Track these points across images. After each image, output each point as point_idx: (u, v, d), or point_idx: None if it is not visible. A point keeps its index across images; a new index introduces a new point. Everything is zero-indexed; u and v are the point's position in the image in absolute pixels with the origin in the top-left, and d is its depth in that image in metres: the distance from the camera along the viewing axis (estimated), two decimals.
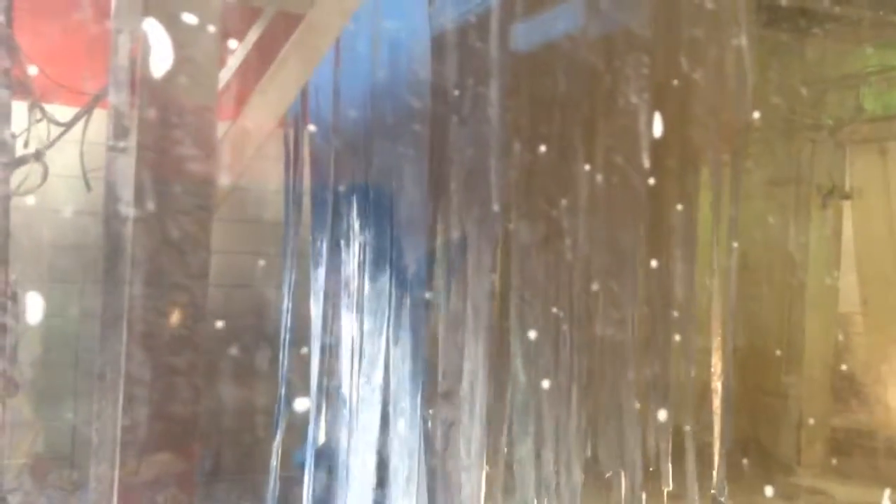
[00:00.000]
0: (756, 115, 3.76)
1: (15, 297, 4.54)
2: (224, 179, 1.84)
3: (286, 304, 4.35)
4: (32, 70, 4.42)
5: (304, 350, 4.12)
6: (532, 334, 3.36)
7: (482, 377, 3.27)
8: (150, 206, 1.58)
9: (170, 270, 1.58)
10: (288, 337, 4.27)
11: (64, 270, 5.24)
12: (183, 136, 1.64)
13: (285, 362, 4.27)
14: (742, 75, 3.60)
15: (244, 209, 5.21)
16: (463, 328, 3.23)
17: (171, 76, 1.61)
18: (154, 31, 1.68)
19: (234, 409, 4.97)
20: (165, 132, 1.62)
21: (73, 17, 4.87)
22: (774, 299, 5.82)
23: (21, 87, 4.43)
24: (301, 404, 4.04)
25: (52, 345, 5.20)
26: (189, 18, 1.68)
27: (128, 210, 1.76)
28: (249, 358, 4.86)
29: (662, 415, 3.82)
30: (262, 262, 5.04)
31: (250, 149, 1.90)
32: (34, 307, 4.73)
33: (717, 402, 4.20)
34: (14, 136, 4.49)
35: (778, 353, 5.85)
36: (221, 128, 4.95)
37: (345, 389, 3.66)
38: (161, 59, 1.67)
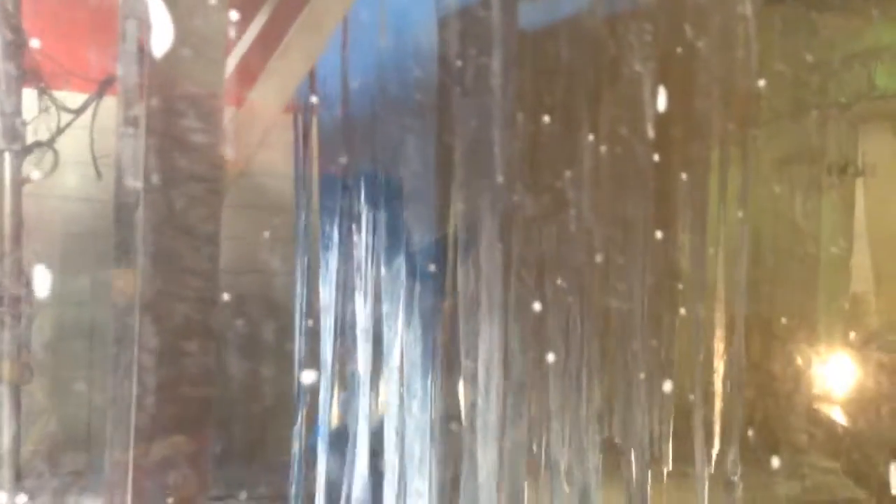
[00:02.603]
0: (762, 83, 3.70)
1: (28, 284, 4.58)
2: (233, 164, 1.84)
3: (299, 288, 4.36)
4: (41, 57, 4.43)
5: (318, 334, 4.13)
6: (537, 307, 3.35)
7: (497, 357, 3.27)
8: (159, 192, 1.58)
9: (181, 255, 1.58)
10: (302, 321, 4.29)
11: (76, 257, 5.26)
12: (190, 122, 1.64)
13: (301, 346, 4.29)
14: (747, 44, 3.56)
15: (256, 194, 5.22)
16: (477, 307, 3.23)
17: (176, 61, 1.60)
18: (158, 13, 1.68)
19: (249, 394, 5.00)
20: (172, 119, 1.62)
21: (80, 3, 4.87)
22: (785, 275, 5.79)
23: (30, 75, 4.44)
24: (308, 377, 4.07)
25: (66, 331, 5.24)
26: (195, 1, 1.68)
27: (137, 197, 1.77)
28: (264, 342, 4.88)
29: (667, 388, 3.82)
30: (274, 247, 5.05)
31: (258, 133, 1.90)
32: (47, 292, 4.76)
33: (721, 381, 4.20)
34: (25, 124, 4.51)
35: (788, 330, 5.83)
36: (230, 113, 4.95)
37: (360, 372, 3.68)
38: (164, 41, 1.67)
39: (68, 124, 4.81)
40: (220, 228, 1.71)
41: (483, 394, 3.18)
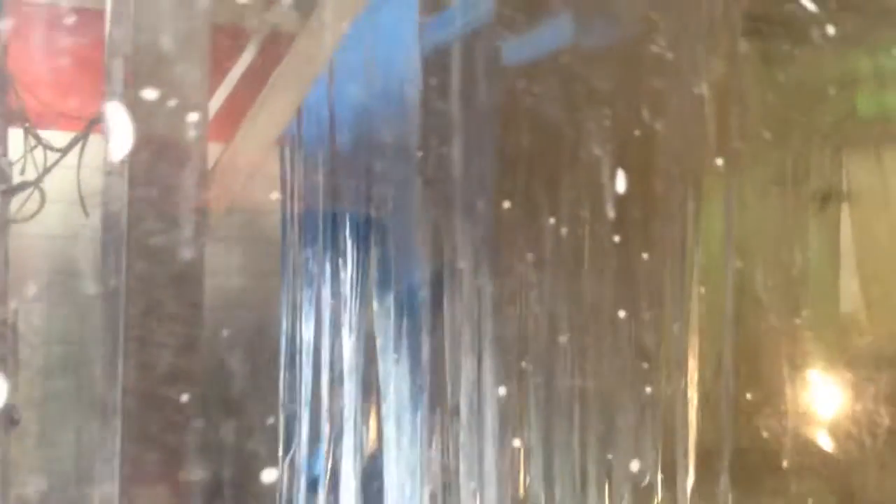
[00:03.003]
0: (719, 161, 3.76)
1: (15, 328, 4.55)
2: (217, 206, 1.84)
3: (284, 324, 4.36)
4: (27, 96, 4.44)
5: (302, 370, 4.13)
6: (502, 391, 3.37)
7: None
8: (143, 238, 1.58)
9: (163, 301, 1.57)
10: (287, 357, 4.28)
11: (65, 297, 5.23)
12: (174, 167, 1.64)
13: (285, 383, 4.27)
14: (702, 122, 3.62)
15: (244, 229, 5.21)
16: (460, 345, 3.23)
17: (158, 107, 1.61)
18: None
19: (235, 431, 4.95)
20: (155, 164, 1.62)
21: (66, 43, 4.89)
22: (775, 304, 5.81)
23: (16, 114, 4.45)
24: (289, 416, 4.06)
25: (55, 373, 5.18)
26: (175, 45, 1.68)
27: (121, 240, 1.76)
28: (250, 379, 4.85)
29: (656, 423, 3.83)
30: (261, 283, 5.02)
31: (242, 175, 1.90)
32: (34, 332, 4.74)
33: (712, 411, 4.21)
34: (11, 164, 4.51)
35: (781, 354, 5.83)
36: (217, 149, 4.97)
37: (346, 411, 3.66)
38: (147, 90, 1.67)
39: (55, 163, 4.81)
40: (202, 272, 1.70)
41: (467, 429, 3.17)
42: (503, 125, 3.36)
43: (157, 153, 1.67)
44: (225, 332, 5.13)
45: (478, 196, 3.29)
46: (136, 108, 1.74)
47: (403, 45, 3.22)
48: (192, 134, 1.70)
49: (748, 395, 5.15)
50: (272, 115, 1.89)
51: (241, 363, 4.97)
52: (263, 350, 4.65)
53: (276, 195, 4.41)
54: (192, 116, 1.70)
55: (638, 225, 3.74)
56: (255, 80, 4.52)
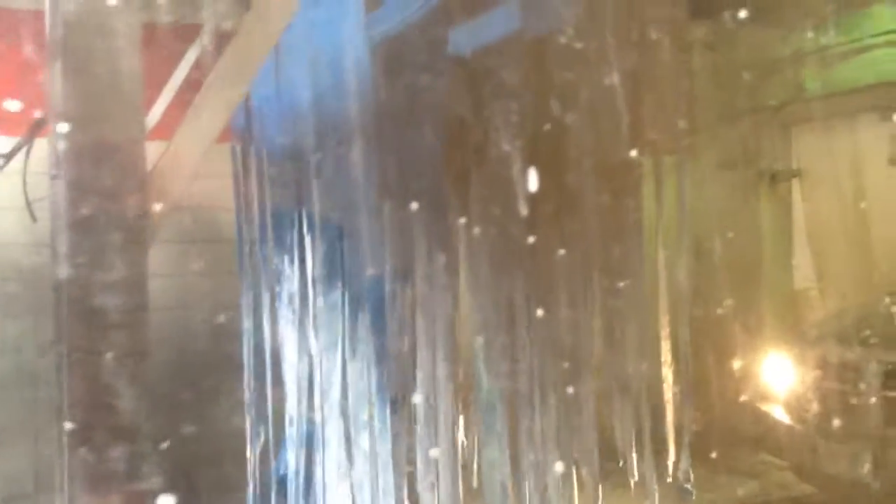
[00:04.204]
0: (633, 153, 3.74)
1: None
2: (160, 206, 1.81)
3: (243, 324, 4.31)
4: None
5: (264, 371, 4.09)
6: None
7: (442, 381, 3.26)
8: (81, 241, 1.55)
9: (105, 308, 1.54)
10: (249, 359, 4.24)
11: (17, 304, 5.12)
12: (110, 170, 1.61)
13: (249, 384, 4.23)
14: (616, 113, 3.62)
15: (199, 229, 5.14)
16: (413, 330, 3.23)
17: (95, 106, 1.57)
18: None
19: (200, 437, 4.90)
20: (92, 166, 1.58)
21: (5, 45, 4.78)
22: (730, 283, 5.89)
23: None
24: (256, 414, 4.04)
25: (7, 380, 5.08)
26: (110, 46, 1.65)
27: (62, 246, 1.73)
28: (210, 382, 4.80)
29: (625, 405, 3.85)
30: (216, 283, 4.98)
31: (184, 174, 1.86)
32: None
33: (670, 391, 4.25)
34: None
35: (736, 332, 5.92)
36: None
37: (305, 408, 3.64)
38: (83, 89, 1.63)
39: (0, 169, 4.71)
40: (145, 275, 1.67)
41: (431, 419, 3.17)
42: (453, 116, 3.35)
43: (94, 155, 1.63)
44: (182, 334, 5.08)
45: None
46: None
47: (349, 37, 3.20)
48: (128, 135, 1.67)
49: (706, 374, 5.23)
50: (212, 112, 1.85)
51: (200, 365, 4.92)
52: (223, 350, 4.61)
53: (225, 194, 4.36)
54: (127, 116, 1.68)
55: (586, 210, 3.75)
56: (204, 77, 4.47)
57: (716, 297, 5.67)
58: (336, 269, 3.45)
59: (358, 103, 3.17)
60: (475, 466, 3.74)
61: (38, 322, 5.10)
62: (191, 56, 4.49)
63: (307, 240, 3.66)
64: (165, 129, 4.72)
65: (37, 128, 4.93)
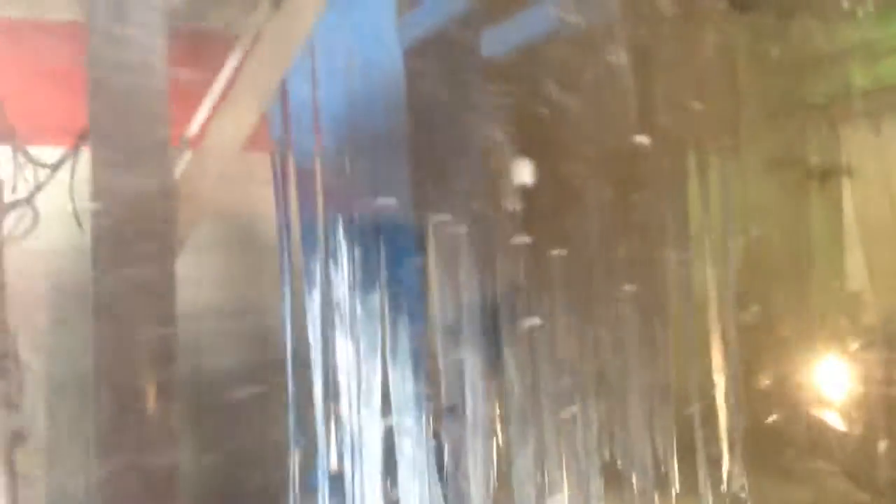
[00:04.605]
0: (643, 139, 3.59)
1: (15, 343, 4.54)
2: (187, 214, 1.80)
3: (287, 330, 4.32)
4: (13, 113, 4.41)
5: (307, 375, 4.09)
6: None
7: (481, 389, 3.22)
8: (110, 250, 1.55)
9: (134, 316, 1.53)
10: (292, 364, 4.25)
11: (65, 313, 5.20)
12: (137, 178, 1.61)
13: (291, 390, 4.25)
14: (622, 97, 3.51)
15: (242, 236, 5.18)
16: (458, 339, 3.19)
17: (120, 119, 1.57)
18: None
19: (246, 443, 4.92)
20: (119, 176, 1.58)
21: (52, 56, 4.86)
22: (781, 285, 5.75)
23: (3, 133, 4.42)
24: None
25: (58, 388, 5.16)
26: (135, 56, 1.64)
27: (93, 253, 1.73)
28: (256, 388, 4.82)
29: (668, 412, 3.77)
30: (262, 290, 4.99)
31: (211, 180, 1.85)
32: (35, 349, 4.71)
33: (722, 398, 4.15)
34: (1, 183, 4.49)
35: (787, 336, 5.77)
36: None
37: (345, 414, 3.63)
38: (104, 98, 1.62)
39: (46, 181, 4.79)
40: (173, 282, 1.66)
41: (472, 427, 3.12)
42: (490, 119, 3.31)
43: (120, 163, 1.63)
44: (223, 340, 5.11)
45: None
46: None
47: (383, 40, 3.18)
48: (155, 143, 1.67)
49: (757, 377, 5.10)
50: (237, 118, 1.85)
51: (244, 371, 4.95)
52: (266, 357, 4.63)
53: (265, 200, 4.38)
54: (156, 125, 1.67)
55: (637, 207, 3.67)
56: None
57: (764, 299, 5.54)
58: (374, 275, 3.43)
59: (392, 108, 3.15)
60: (513, 475, 3.69)
61: (87, 330, 5.16)
62: (231, 64, 4.52)
63: (347, 246, 3.66)
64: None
65: (82, 138, 5.03)
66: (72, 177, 5.04)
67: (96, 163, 1.53)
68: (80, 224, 5.05)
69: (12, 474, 4.47)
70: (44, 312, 5.01)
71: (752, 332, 4.66)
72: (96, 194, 1.53)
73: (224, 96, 4.53)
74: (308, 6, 1.91)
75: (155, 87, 1.65)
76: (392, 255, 3.31)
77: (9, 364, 4.50)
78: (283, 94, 4.20)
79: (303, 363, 4.14)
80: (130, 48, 1.60)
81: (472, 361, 3.21)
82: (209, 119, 4.64)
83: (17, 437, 4.44)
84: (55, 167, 4.97)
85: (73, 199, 5.04)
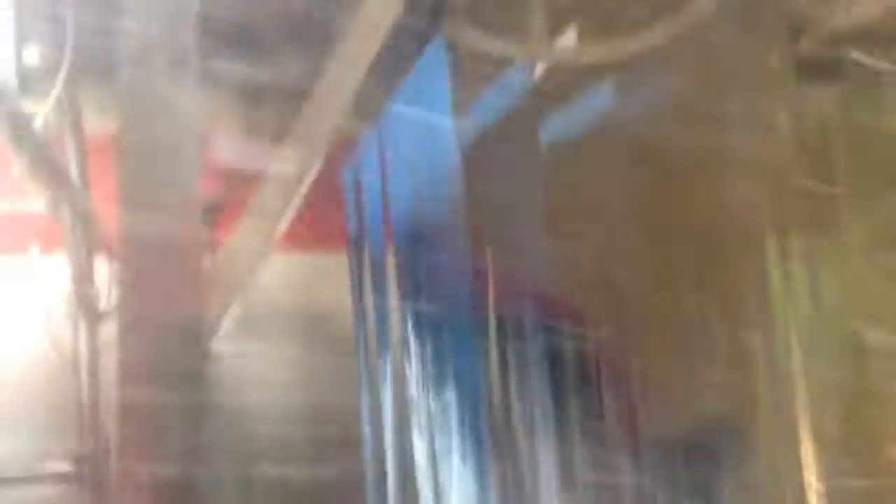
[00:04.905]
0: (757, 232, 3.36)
1: (108, 450, 4.62)
2: (217, 307, 1.77)
3: (366, 429, 4.25)
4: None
5: (384, 475, 3.98)
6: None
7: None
8: (136, 336, 1.54)
9: (161, 414, 1.50)
10: (371, 465, 4.16)
11: None
12: (167, 278, 1.60)
13: (371, 492, 4.14)
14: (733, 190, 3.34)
15: (322, 333, 5.16)
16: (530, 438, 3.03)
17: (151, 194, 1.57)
18: None
19: None
20: (146, 258, 1.57)
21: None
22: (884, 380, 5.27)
23: (98, 243, 4.60)
24: None
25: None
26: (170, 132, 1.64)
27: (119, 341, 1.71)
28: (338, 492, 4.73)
29: None
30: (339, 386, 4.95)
31: (242, 277, 1.83)
32: None
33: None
34: (98, 293, 4.66)
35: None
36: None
37: None
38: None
39: None
40: (203, 382, 1.62)
41: None
42: (554, 207, 3.22)
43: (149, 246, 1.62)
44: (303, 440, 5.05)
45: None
46: None
47: (441, 136, 3.17)
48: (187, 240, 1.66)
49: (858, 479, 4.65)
50: (265, 218, 1.83)
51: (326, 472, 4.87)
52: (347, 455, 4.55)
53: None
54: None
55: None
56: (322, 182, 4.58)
57: (865, 394, 5.11)
58: (447, 370, 3.34)
59: (454, 203, 3.12)
60: None
61: None
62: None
63: (418, 340, 3.59)
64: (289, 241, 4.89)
65: None
66: None
67: (125, 244, 1.53)
68: None
69: None
70: None
71: (851, 431, 4.25)
72: (125, 283, 1.53)
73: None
74: (334, 100, 1.91)
75: (188, 168, 1.63)
76: (458, 353, 3.21)
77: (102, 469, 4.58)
78: (358, 186, 4.26)
79: (380, 462, 4.04)
80: (165, 124, 1.59)
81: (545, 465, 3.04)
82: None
83: None
84: None
85: None
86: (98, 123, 4.33)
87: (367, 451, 4.18)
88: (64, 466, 4.78)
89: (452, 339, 3.27)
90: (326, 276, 4.81)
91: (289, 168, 1.84)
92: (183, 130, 1.63)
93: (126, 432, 1.48)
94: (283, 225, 1.80)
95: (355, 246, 4.37)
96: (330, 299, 4.67)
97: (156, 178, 1.58)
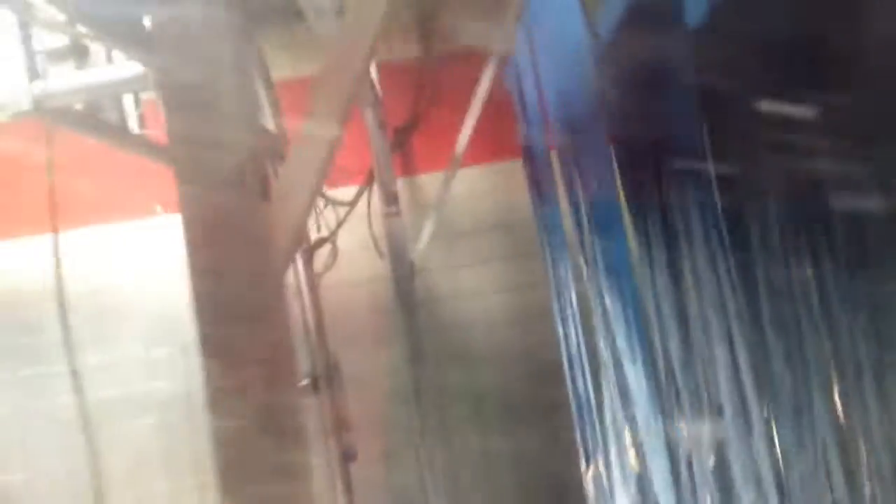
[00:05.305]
0: None
1: (338, 366, 5.03)
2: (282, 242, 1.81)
3: (561, 333, 4.28)
4: None
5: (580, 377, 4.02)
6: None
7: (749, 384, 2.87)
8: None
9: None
10: (569, 368, 4.20)
11: (372, 335, 5.58)
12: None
13: (573, 393, 4.19)
14: None
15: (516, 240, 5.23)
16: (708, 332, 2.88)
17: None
18: None
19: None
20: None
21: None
22: None
23: None
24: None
25: (382, 404, 5.56)
26: None
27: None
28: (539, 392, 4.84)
29: None
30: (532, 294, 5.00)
31: (302, 210, 1.84)
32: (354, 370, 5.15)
33: None
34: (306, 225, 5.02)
35: None
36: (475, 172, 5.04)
37: (600, 415, 3.49)
38: None
39: (345, 217, 5.26)
40: (286, 311, 1.68)
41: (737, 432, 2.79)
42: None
43: None
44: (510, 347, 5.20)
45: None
46: None
47: (575, 38, 3.03)
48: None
49: None
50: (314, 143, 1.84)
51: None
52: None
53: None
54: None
55: None
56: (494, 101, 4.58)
57: None
58: (612, 267, 3.26)
59: (589, 102, 2.99)
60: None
61: (398, 350, 5.50)
62: (485, 82, 4.61)
63: (585, 239, 3.54)
64: (470, 156, 4.96)
65: (371, 176, 5.47)
66: (369, 211, 5.51)
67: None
68: (380, 252, 5.50)
69: (349, 489, 4.93)
70: (355, 336, 5.45)
71: None
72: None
73: (484, 116, 4.66)
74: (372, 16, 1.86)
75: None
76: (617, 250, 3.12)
77: (335, 386, 5.00)
78: (521, 93, 4.21)
79: (574, 359, 4.08)
80: None
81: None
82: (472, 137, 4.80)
83: (350, 454, 4.90)
84: (352, 204, 5.47)
85: (371, 232, 5.51)
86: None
87: (562, 349, 4.22)
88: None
89: (609, 235, 3.19)
90: (516, 184, 4.82)
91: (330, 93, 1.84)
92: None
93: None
94: (332, 154, 1.80)
95: (526, 151, 4.34)
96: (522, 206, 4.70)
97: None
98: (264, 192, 1.71)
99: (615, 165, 2.98)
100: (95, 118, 3.43)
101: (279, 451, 1.39)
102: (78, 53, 3.41)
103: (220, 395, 1.55)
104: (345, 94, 1.82)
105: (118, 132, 3.49)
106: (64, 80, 3.12)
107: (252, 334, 1.66)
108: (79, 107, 3.22)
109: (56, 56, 3.32)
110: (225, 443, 1.40)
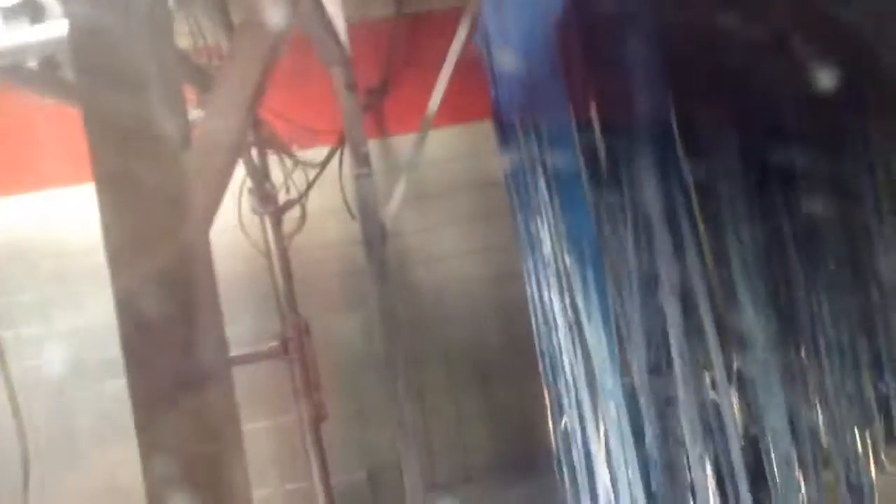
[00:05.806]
0: None
1: (307, 329, 5.02)
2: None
3: (531, 292, 4.29)
4: (279, 122, 4.85)
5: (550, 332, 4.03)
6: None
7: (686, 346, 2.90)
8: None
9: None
10: (539, 326, 4.21)
11: (343, 297, 5.60)
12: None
13: (544, 351, 4.21)
14: None
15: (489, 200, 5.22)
16: (657, 289, 2.90)
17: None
18: None
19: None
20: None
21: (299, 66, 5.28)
22: None
23: (271, 141, 4.88)
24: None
25: (346, 368, 5.58)
26: None
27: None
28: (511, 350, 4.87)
29: None
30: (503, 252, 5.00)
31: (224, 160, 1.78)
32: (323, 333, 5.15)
33: None
34: (274, 187, 4.97)
35: None
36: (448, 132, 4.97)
37: (565, 373, 3.51)
38: None
39: (315, 179, 5.23)
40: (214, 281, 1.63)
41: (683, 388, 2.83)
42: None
43: None
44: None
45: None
46: None
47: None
48: None
49: None
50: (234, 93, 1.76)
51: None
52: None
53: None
54: None
55: None
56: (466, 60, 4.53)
57: None
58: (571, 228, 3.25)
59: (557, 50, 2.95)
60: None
61: (365, 314, 5.51)
62: (457, 42, 4.57)
63: (546, 200, 3.53)
64: (443, 117, 4.92)
65: (342, 137, 5.42)
66: (340, 171, 5.48)
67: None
68: (352, 214, 5.47)
69: (320, 449, 4.96)
70: (325, 299, 5.45)
71: None
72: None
73: (456, 74, 4.61)
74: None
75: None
76: (575, 210, 3.10)
77: (304, 349, 5.00)
78: (489, 52, 4.16)
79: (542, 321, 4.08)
80: None
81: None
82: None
83: (321, 414, 4.91)
84: (323, 165, 5.43)
85: (343, 193, 5.48)
86: None
87: (533, 309, 4.22)
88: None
89: (570, 194, 3.18)
90: (489, 145, 4.80)
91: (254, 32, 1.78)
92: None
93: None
94: (254, 103, 1.74)
95: (496, 112, 4.31)
96: (494, 166, 4.68)
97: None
98: (185, 140, 1.63)
99: (574, 125, 2.96)
100: (52, 76, 3.36)
101: (200, 416, 1.37)
102: (33, 10, 3.33)
103: (138, 359, 1.49)
104: (269, 30, 1.77)
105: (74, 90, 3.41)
106: (15, 35, 3.05)
107: (170, 293, 1.57)
108: (32, 64, 3.16)
109: (9, 13, 3.25)
110: (143, 406, 1.37)
